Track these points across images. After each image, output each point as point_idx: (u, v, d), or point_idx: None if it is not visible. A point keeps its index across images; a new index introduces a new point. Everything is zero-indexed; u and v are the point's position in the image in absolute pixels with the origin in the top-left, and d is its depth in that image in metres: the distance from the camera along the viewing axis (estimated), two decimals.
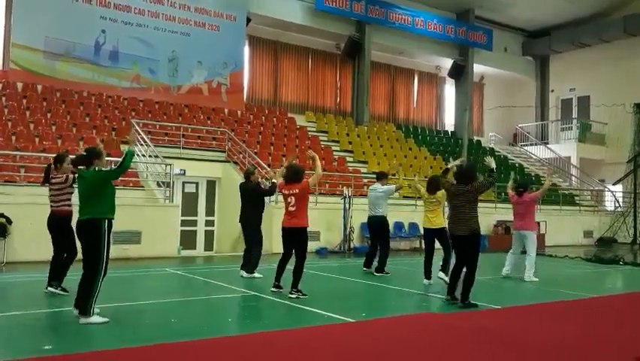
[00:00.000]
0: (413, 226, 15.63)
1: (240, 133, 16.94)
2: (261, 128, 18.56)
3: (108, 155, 13.32)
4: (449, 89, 26.40)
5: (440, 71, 26.04)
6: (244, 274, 8.95)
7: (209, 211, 14.68)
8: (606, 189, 23.39)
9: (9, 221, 10.44)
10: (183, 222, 13.67)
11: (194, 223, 14.30)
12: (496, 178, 7.34)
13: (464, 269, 6.80)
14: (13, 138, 13.23)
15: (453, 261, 7.48)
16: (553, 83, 27.04)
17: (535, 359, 4.39)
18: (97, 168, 5.70)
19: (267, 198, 9.56)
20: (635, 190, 20.09)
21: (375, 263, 9.70)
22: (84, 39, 16.52)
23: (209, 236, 14.56)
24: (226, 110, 18.78)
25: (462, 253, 6.87)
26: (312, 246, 13.55)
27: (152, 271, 9.80)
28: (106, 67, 16.93)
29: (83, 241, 5.64)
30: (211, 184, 14.86)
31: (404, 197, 17.04)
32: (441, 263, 8.70)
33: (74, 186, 6.82)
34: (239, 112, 19.09)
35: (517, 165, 23.75)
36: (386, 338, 4.91)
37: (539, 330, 5.31)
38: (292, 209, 7.22)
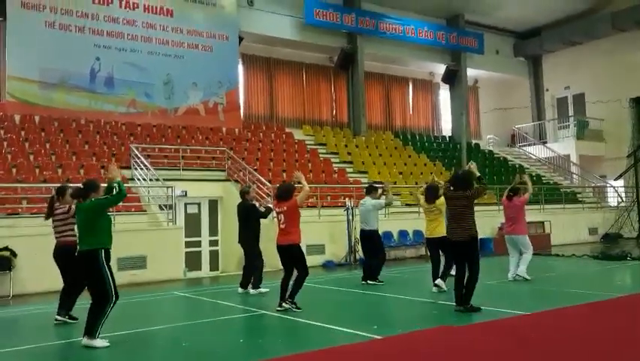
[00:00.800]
0: (418, 233, 15.59)
1: (238, 151, 16.97)
2: (260, 144, 18.59)
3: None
4: (444, 95, 26.49)
5: (434, 77, 26.15)
6: (251, 290, 9.04)
7: (213, 231, 14.64)
8: (608, 185, 23.37)
9: (13, 254, 10.42)
10: (187, 244, 13.64)
11: (198, 244, 14.26)
12: (486, 185, 7.29)
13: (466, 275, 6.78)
14: (14, 170, 13.24)
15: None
16: (548, 83, 27.14)
17: None
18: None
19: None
20: (637, 184, 20.08)
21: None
22: (79, 67, 16.60)
23: (213, 256, 14.51)
24: (224, 129, 18.82)
25: (463, 258, 6.85)
26: (317, 259, 13.57)
27: (160, 295, 9.75)
28: (102, 93, 16.99)
29: (85, 271, 5.82)
30: (213, 204, 14.84)
31: (406, 205, 17.03)
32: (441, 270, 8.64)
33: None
34: (236, 130, 19.13)
35: (517, 165, 23.76)
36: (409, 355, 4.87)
37: (573, 335, 5.25)
38: (282, 226, 7.39)
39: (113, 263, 10.51)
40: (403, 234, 15.54)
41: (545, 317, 6.27)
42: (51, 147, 14.80)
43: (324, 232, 13.71)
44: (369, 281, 9.66)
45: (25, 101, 15.83)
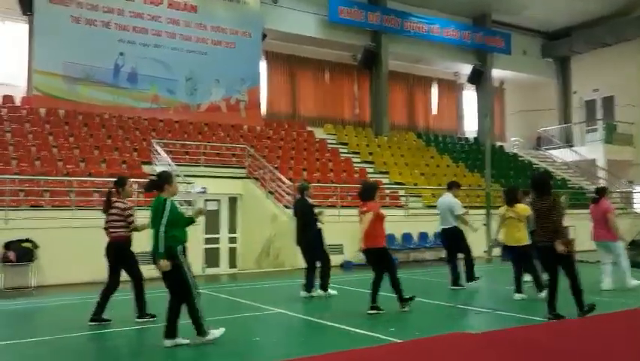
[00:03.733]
0: (438, 235, 15.34)
1: (259, 149, 16.93)
2: (281, 142, 18.53)
3: (132, 176, 13.46)
4: (469, 96, 26.10)
5: (459, 78, 25.78)
6: (320, 292, 8.45)
7: (232, 228, 14.63)
8: (636, 191, 22.75)
9: (35, 246, 10.52)
10: (206, 240, 13.63)
11: (216, 241, 14.25)
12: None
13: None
14: (37, 162, 13.40)
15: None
16: (576, 85, 26.55)
17: None
18: (168, 199, 5.55)
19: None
20: None
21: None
22: (103, 62, 16.74)
23: (232, 253, 14.50)
24: (245, 127, 18.81)
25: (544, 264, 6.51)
26: (336, 259, 13.44)
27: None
28: (125, 89, 17.11)
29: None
30: (232, 201, 14.82)
31: (427, 206, 16.79)
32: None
33: (130, 213, 6.77)
34: (258, 128, 19.11)
35: (542, 169, 23.28)
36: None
37: (596, 347, 5.05)
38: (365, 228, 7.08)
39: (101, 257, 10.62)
40: (422, 236, 15.31)
41: (573, 325, 6.06)
42: (75, 140, 14.95)
43: (344, 232, 13.55)
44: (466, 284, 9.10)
45: (50, 95, 16.02)
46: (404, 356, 4.91)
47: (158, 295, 6.20)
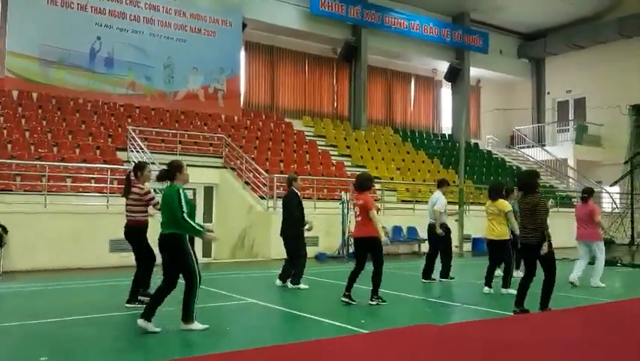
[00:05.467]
0: (411, 230, 15.59)
1: (237, 139, 16.89)
2: (258, 133, 18.51)
3: (105, 162, 13.32)
4: (446, 93, 26.42)
5: (437, 75, 26.06)
6: (289, 285, 8.51)
7: (207, 218, 14.60)
8: (604, 191, 23.39)
9: (5, 230, 10.35)
10: None
11: None
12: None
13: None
14: (9, 146, 13.15)
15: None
16: (549, 85, 27.10)
17: None
18: (179, 187, 5.62)
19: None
20: (632, 191, 20.08)
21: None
22: (79, 46, 16.46)
23: (207, 243, 14.44)
24: (223, 116, 18.73)
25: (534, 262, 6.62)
26: (311, 251, 13.55)
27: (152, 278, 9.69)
28: (101, 74, 16.86)
29: (167, 255, 5.63)
30: (208, 190, 14.78)
31: (402, 201, 17.01)
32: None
33: (151, 196, 6.91)
34: (235, 117, 19.04)
35: (514, 167, 23.74)
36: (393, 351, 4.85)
37: (558, 337, 5.25)
38: (358, 219, 7.15)
39: (106, 245, 10.56)
40: (396, 230, 15.52)
41: (533, 319, 6.27)
42: (48, 124, 14.70)
43: (319, 224, 13.63)
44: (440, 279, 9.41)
45: (23, 78, 15.71)
46: (371, 346, 5.03)
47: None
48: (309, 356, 4.67)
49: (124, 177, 7.95)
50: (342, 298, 7.09)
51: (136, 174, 7.00)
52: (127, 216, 6.97)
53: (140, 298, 6.83)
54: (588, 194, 9.23)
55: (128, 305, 6.77)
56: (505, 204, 8.30)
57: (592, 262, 9.28)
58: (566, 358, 4.61)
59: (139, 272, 6.93)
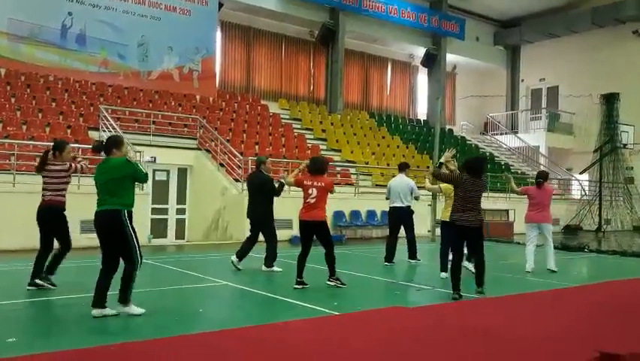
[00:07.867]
0: (385, 214, 15.70)
1: (212, 120, 16.72)
2: (234, 115, 18.36)
3: (76, 142, 13.06)
4: (422, 78, 26.54)
5: (413, 60, 26.14)
6: (263, 268, 8.47)
7: (181, 199, 14.49)
8: (573, 178, 23.94)
9: None
10: (154, 211, 13.49)
11: (165, 212, 14.10)
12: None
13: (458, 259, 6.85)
14: None
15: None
16: (524, 73, 27.44)
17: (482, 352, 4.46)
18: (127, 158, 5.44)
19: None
20: (600, 179, 20.59)
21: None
22: (50, 22, 16.02)
23: (180, 224, 14.39)
24: (198, 97, 18.50)
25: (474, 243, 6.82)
26: (284, 234, 13.58)
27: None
28: (73, 51, 16.46)
29: (106, 234, 5.32)
30: (182, 172, 14.66)
31: (377, 185, 17.12)
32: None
33: (75, 165, 6.54)
34: (211, 99, 18.84)
35: (487, 153, 24.07)
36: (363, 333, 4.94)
37: (519, 321, 5.40)
38: (312, 201, 7.07)
39: (76, 225, 10.39)
40: (370, 214, 15.65)
41: (494, 303, 6.43)
42: (16, 102, 14.33)
43: (293, 207, 13.66)
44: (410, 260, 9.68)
45: None
46: (341, 327, 5.11)
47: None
48: (281, 338, 4.72)
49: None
50: (296, 286, 7.06)
51: (54, 153, 6.45)
52: (44, 195, 6.39)
53: (37, 281, 6.40)
54: (544, 178, 9.40)
55: (29, 288, 6.40)
56: (447, 187, 8.33)
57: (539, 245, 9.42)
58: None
59: (47, 254, 6.41)
